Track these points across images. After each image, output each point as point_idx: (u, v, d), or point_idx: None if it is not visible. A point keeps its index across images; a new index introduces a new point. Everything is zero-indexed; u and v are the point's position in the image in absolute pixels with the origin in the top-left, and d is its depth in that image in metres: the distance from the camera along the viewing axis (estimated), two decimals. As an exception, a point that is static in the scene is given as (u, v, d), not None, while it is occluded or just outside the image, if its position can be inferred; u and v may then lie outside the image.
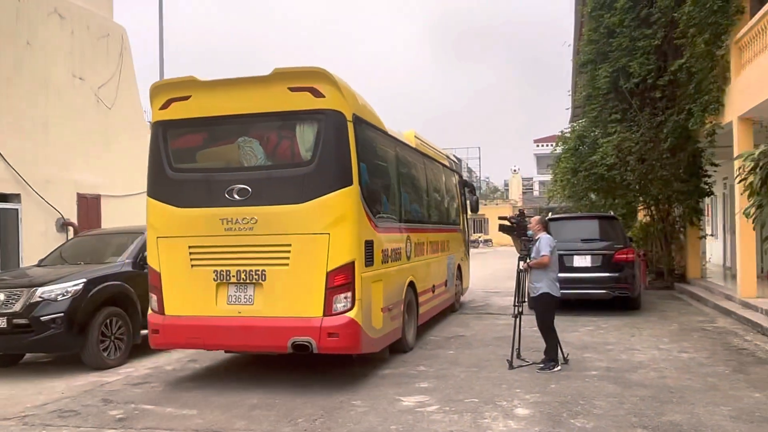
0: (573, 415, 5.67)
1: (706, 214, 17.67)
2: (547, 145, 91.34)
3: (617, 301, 12.16)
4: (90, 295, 8.25)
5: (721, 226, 20.48)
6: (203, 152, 7.60)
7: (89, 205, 13.46)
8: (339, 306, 6.75)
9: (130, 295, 8.86)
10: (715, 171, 16.05)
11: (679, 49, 14.27)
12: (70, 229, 12.89)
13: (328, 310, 6.73)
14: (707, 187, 15.73)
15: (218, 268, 7.07)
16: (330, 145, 6.90)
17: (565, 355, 7.85)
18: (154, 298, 7.35)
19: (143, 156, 15.28)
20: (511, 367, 7.59)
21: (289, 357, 7.77)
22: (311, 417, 5.87)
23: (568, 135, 18.35)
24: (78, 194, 13.21)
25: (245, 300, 7.03)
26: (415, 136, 10.72)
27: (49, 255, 10.15)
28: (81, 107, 13.46)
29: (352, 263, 6.82)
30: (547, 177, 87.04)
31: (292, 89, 6.91)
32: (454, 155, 17.01)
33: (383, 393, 6.64)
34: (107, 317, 8.42)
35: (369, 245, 7.25)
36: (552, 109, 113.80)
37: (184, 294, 7.20)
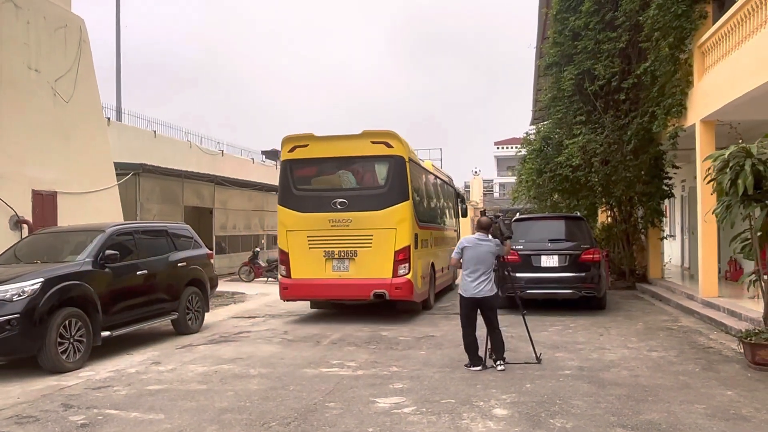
0: (551, 415, 5.62)
1: (665, 215, 17.99)
2: (508, 148, 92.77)
3: (583, 300, 12.26)
4: (48, 295, 7.89)
5: (679, 228, 20.94)
6: (316, 179, 11.97)
7: (45, 203, 12.93)
8: (401, 271, 11.11)
9: (90, 295, 8.52)
10: (675, 173, 16.36)
11: (642, 52, 14.49)
12: (24, 227, 12.34)
13: (395, 274, 11.09)
14: (668, 189, 16.02)
15: (326, 249, 11.35)
16: (396, 176, 11.34)
17: (538, 355, 7.83)
18: (283, 268, 11.68)
19: (102, 152, 14.93)
20: (484, 367, 7.53)
21: (259, 358, 8.09)
22: (285, 420, 5.69)
23: (533, 137, 18.49)
24: (33, 191, 12.64)
25: (343, 268, 11.32)
26: (432, 165, 15.68)
27: (2, 254, 9.70)
28: (37, 100, 12.89)
29: (409, 246, 11.20)
30: (508, 179, 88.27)
31: (373, 142, 11.40)
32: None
33: (357, 394, 6.49)
34: (66, 318, 8.06)
35: (416, 236, 11.64)
36: (512, 111, 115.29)
37: (304, 265, 11.44)
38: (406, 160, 11.48)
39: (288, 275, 11.56)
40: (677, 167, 15.79)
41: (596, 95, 15.38)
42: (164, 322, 10.49)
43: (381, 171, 11.56)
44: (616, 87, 14.94)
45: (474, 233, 7.87)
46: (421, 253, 12.00)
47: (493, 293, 7.64)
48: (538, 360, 7.76)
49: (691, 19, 12.21)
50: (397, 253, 11.09)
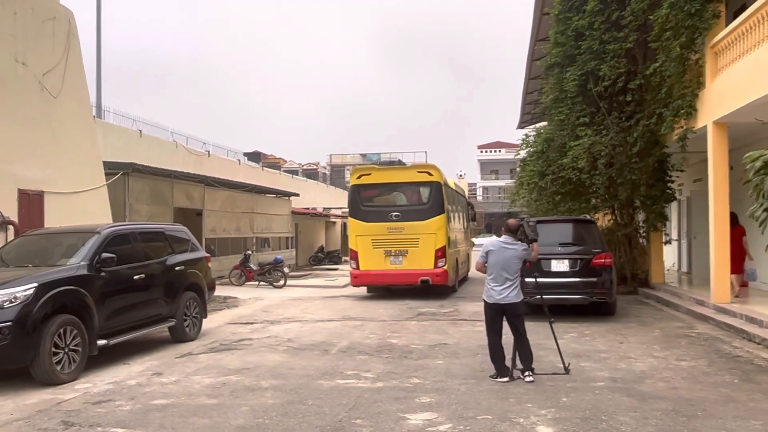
0: (601, 433, 5.21)
1: (668, 219, 17.71)
2: (491, 151, 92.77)
3: (592, 305, 11.90)
4: (42, 301, 7.34)
5: (676, 232, 20.75)
6: (377, 198, 15.99)
7: (31, 202, 12.28)
8: (440, 264, 15.18)
9: (86, 301, 7.96)
10: (677, 177, 16.11)
11: (649, 52, 14.24)
12: (10, 228, 11.71)
13: (435, 266, 15.15)
14: (671, 192, 15.78)
15: (385, 249, 15.38)
16: (434, 196, 15.49)
17: (566, 365, 7.43)
18: (353, 262, 15.69)
19: (90, 150, 14.29)
20: (511, 378, 7.11)
21: (268, 369, 7.57)
22: (311, 440, 5.22)
23: (533, 138, 18.16)
24: (19, 190, 11.99)
25: (398, 262, 15.34)
26: (454, 183, 19.66)
27: (-12, 257, 9.06)
28: (23, 95, 12.23)
29: (445, 246, 15.29)
30: (492, 182, 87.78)
31: (419, 171, 15.99)
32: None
33: (384, 410, 6.03)
34: (61, 326, 7.51)
35: (448, 238, 15.74)
36: (495, 115, 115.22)
37: (369, 260, 15.44)
38: (442, 184, 15.78)
39: (357, 267, 15.66)
40: (681, 170, 15.53)
41: (600, 96, 15.09)
42: (159, 329, 9.93)
43: (424, 192, 15.74)
44: (622, 88, 14.66)
45: (501, 236, 7.48)
46: (451, 251, 16.14)
47: (520, 299, 7.24)
48: (567, 370, 7.36)
49: (704, 19, 11.92)
50: (437, 251, 15.24)
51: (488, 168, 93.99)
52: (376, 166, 16.28)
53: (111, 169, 15.39)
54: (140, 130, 22.92)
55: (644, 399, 6.23)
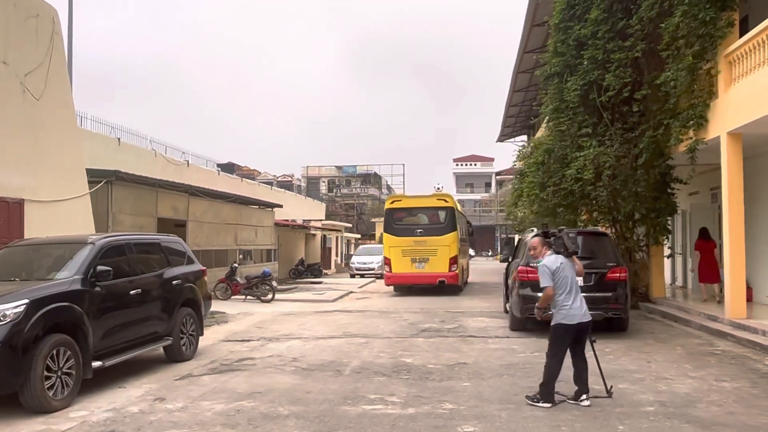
0: (681, 468, 4.69)
1: (671, 232, 17.42)
2: (467, 165, 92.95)
3: (603, 321, 11.43)
4: (33, 319, 6.59)
5: (668, 245, 20.49)
6: (406, 218, 21.01)
7: (11, 211, 11.41)
8: (453, 268, 20.03)
9: (81, 319, 7.22)
10: (678, 189, 15.84)
11: (653, 61, 13.97)
12: (-13, 238, 10.85)
13: (449, 269, 19.99)
14: (675, 205, 15.50)
15: (412, 256, 20.15)
16: (448, 218, 20.61)
17: (609, 388, 6.92)
18: (387, 267, 20.70)
19: (74, 156, 13.47)
20: (553, 404, 6.57)
21: (281, 392, 6.91)
22: (357, 479, 4.60)
23: (530, 149, 17.79)
24: (-3, 198, 11.17)
25: (421, 267, 20.14)
26: (460, 206, 25.08)
27: (-32, 271, 8.23)
28: (4, 96, 11.36)
29: (456, 255, 20.32)
30: (468, 196, 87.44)
31: (437, 199, 21.32)
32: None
33: (428, 441, 5.44)
34: (54, 347, 6.76)
35: (459, 249, 20.73)
36: (469, 129, 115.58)
37: (399, 265, 20.28)
38: (455, 208, 20.92)
39: (390, 271, 20.45)
40: (685, 183, 15.24)
41: (603, 107, 14.75)
42: (154, 348, 9.16)
43: (441, 215, 20.59)
44: (626, 98, 14.33)
45: (543, 254, 7.04)
46: (460, 259, 20.92)
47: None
48: (609, 393, 6.85)
49: (718, 27, 11.64)
50: (450, 258, 19.93)
51: (463, 181, 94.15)
52: (406, 195, 22.69)
53: (93, 176, 14.51)
54: (119, 138, 22.00)
55: (707, 426, 5.74)
